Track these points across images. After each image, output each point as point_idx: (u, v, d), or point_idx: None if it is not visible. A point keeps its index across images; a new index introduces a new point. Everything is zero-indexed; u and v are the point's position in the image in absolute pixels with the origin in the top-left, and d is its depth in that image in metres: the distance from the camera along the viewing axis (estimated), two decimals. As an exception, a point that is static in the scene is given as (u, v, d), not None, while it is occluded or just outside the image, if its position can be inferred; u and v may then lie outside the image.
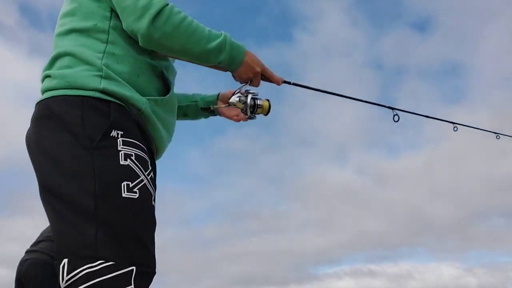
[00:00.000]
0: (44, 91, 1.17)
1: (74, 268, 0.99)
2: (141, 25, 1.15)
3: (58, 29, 1.25)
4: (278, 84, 1.44)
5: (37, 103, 1.18)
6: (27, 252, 3.31)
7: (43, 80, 1.21)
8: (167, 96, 1.27)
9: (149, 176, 1.14)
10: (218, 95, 1.63)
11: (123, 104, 1.15)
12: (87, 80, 1.13)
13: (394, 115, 1.77)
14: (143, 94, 1.20)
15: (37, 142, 1.12)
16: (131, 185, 1.07)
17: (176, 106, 1.39)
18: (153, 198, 1.13)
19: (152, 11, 1.14)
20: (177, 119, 1.42)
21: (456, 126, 2.20)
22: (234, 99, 1.40)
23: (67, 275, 1.00)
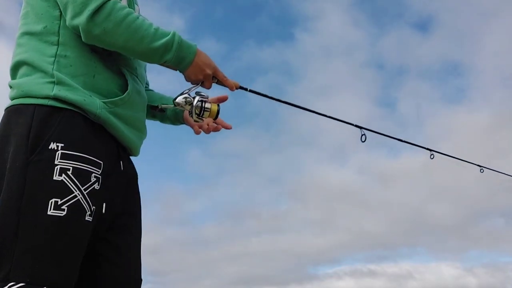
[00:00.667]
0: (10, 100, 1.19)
1: None
2: (80, 21, 1.13)
3: (17, 33, 1.25)
4: (232, 89, 1.36)
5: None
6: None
7: None
8: (125, 94, 1.23)
9: (90, 189, 1.11)
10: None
11: (77, 110, 1.13)
12: (40, 87, 1.12)
13: (362, 135, 1.65)
14: (102, 94, 1.19)
15: None
16: (59, 202, 1.05)
17: (145, 100, 1.36)
18: (88, 213, 1.10)
19: (91, 7, 1.12)
20: (146, 118, 1.39)
21: (433, 154, 2.05)
22: (180, 99, 1.30)
23: None
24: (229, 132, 1.51)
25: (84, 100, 1.13)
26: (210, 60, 1.29)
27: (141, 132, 1.33)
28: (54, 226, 1.03)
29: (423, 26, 7.88)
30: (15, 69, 1.20)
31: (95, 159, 1.14)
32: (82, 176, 1.09)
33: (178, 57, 1.22)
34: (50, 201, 1.04)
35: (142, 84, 1.36)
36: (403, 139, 1.86)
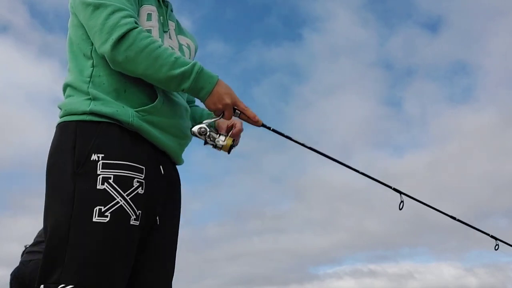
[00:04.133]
0: None
1: None
2: (105, 49, 1.21)
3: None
4: (254, 121, 1.35)
5: None
6: (28, 253, 3.24)
7: None
8: (155, 102, 1.28)
9: (133, 194, 1.18)
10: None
11: (112, 122, 1.22)
12: (79, 105, 1.24)
13: (400, 202, 1.52)
14: (134, 107, 1.26)
15: (47, 161, 1.25)
16: (103, 210, 1.14)
17: (184, 108, 1.41)
18: (133, 217, 1.18)
19: (115, 36, 1.19)
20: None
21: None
22: (196, 128, 1.32)
23: None
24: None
25: (117, 111, 1.22)
26: (231, 91, 1.31)
27: (181, 138, 1.37)
28: (99, 232, 1.12)
29: (432, 26, 7.94)
30: (63, 91, 1.32)
31: (136, 165, 1.21)
32: (123, 183, 1.17)
33: (196, 86, 1.26)
34: (95, 209, 1.13)
35: (178, 94, 1.40)
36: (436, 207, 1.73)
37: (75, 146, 1.19)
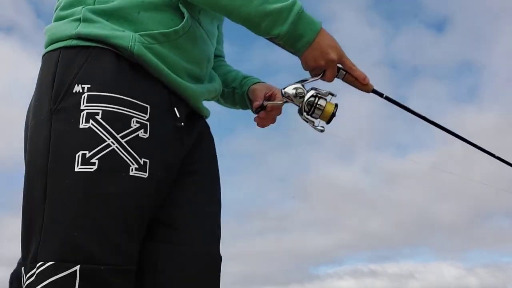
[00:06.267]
0: None
1: (23, 279, 0.81)
2: None
3: None
4: (363, 84, 1.05)
5: None
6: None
7: None
8: (170, 30, 0.95)
9: (131, 137, 0.86)
10: (255, 83, 1.23)
11: (107, 47, 0.89)
12: (64, 27, 0.92)
13: None
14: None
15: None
16: (87, 155, 0.82)
17: (209, 53, 1.09)
18: (134, 166, 0.85)
19: None
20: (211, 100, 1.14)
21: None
22: (290, 90, 1.03)
23: None
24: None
25: (113, 33, 0.90)
26: (336, 43, 1.02)
27: (203, 73, 1.06)
28: (84, 186, 0.81)
29: (438, 26, 7.95)
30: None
31: (135, 101, 0.88)
32: (116, 121, 0.85)
33: (294, 32, 0.96)
34: (77, 155, 0.82)
35: (210, 39, 1.10)
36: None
37: (55, 79, 0.88)
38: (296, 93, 1.03)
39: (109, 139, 0.84)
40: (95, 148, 0.83)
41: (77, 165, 0.82)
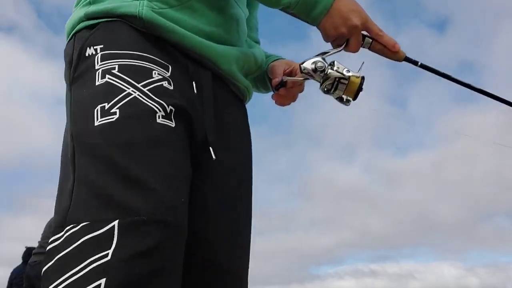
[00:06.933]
0: None
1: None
2: None
3: None
4: (393, 51, 0.92)
5: None
6: (36, 254, 3.25)
7: None
8: None
9: (154, 86, 0.77)
10: (274, 61, 1.11)
11: (115, 19, 0.83)
12: (76, 15, 0.87)
13: None
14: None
15: None
16: (107, 106, 0.74)
17: (242, 14, 0.99)
18: (161, 114, 0.75)
19: None
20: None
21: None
22: (309, 65, 0.90)
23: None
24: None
25: (118, 5, 0.83)
26: (359, 6, 0.89)
27: (231, 34, 0.94)
28: (110, 134, 0.73)
29: (439, 26, 7.95)
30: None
31: (154, 57, 0.81)
32: (136, 71, 0.78)
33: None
34: (95, 110, 0.74)
35: (237, 2, 0.99)
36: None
37: (72, 60, 0.83)
38: (315, 67, 0.90)
39: (129, 88, 0.76)
40: (115, 98, 0.74)
41: (97, 119, 0.74)
